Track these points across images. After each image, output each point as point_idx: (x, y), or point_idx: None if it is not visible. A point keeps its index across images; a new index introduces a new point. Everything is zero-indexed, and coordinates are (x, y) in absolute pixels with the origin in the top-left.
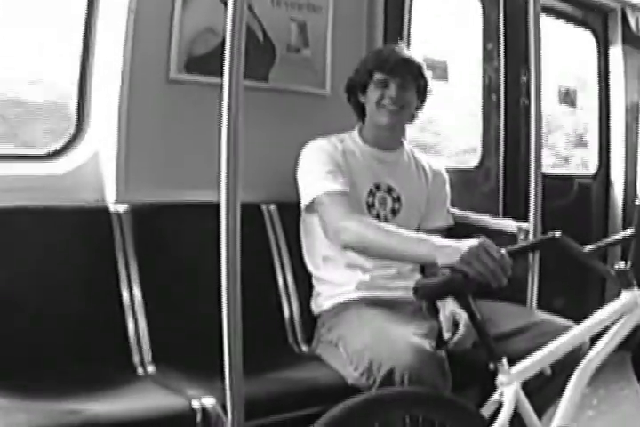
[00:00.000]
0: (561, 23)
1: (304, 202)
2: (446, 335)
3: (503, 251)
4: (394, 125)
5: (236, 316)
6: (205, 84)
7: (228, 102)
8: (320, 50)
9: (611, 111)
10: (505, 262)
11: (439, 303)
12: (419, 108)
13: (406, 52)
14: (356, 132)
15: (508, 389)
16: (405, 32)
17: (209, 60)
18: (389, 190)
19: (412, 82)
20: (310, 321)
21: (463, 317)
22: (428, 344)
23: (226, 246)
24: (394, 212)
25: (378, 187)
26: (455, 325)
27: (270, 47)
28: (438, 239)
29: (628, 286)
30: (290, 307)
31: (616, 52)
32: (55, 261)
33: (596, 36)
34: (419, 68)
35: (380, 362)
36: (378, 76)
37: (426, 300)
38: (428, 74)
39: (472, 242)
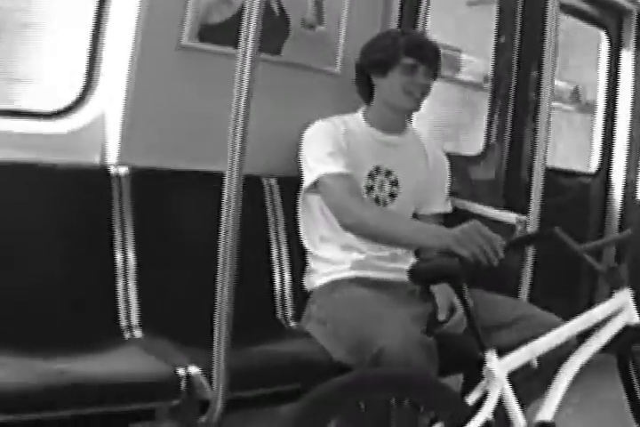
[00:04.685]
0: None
1: (306, 182)
2: (441, 317)
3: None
4: (414, 111)
5: (229, 287)
6: (217, 53)
7: (240, 75)
8: (334, 28)
9: (617, 112)
10: (496, 242)
11: (435, 287)
12: None
13: (431, 39)
14: (360, 114)
15: (495, 379)
16: (422, 15)
17: (222, 29)
18: (388, 174)
19: (436, 69)
20: (301, 297)
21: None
22: (418, 328)
23: (225, 218)
24: (392, 195)
25: (378, 170)
26: (451, 308)
27: (285, 21)
28: (435, 227)
29: (620, 285)
30: (282, 282)
31: (628, 54)
32: (50, 220)
33: (610, 37)
34: (441, 57)
35: (369, 342)
36: (407, 60)
37: (420, 283)
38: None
39: (463, 225)
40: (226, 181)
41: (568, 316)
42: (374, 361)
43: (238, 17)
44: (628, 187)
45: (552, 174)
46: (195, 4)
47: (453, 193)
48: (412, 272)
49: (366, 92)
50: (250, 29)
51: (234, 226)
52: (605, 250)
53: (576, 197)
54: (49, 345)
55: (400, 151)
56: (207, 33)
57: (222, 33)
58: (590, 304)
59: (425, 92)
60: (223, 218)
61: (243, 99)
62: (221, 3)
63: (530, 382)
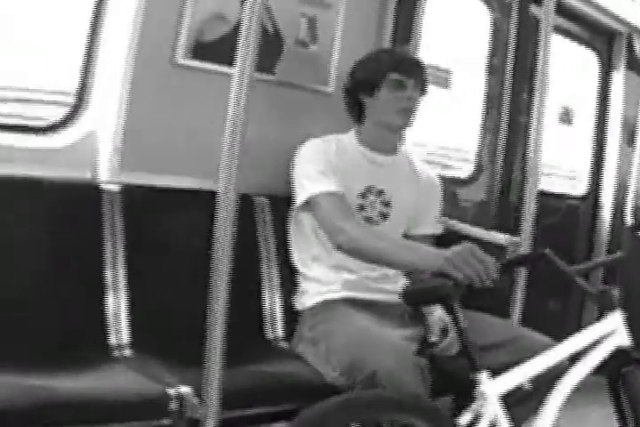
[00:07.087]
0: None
1: (298, 201)
2: (433, 339)
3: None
4: (406, 126)
5: (221, 307)
6: (211, 71)
7: (236, 94)
8: (327, 46)
9: (607, 133)
10: (490, 264)
11: (427, 308)
12: None
13: (415, 55)
14: (352, 134)
15: (487, 400)
16: (415, 35)
17: (217, 47)
18: (380, 194)
19: (422, 84)
20: (291, 317)
21: None
22: (410, 349)
23: (218, 237)
24: (383, 216)
25: (369, 190)
26: (444, 330)
27: (278, 40)
28: (428, 248)
29: (611, 307)
30: (272, 302)
31: (618, 76)
32: (41, 235)
33: (600, 58)
34: (426, 71)
35: (360, 364)
36: (394, 76)
37: (413, 305)
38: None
39: (457, 247)
40: (220, 200)
41: (556, 336)
42: (367, 383)
43: (233, 34)
44: (617, 210)
45: (541, 196)
46: (189, 21)
47: (445, 214)
48: (405, 294)
49: (356, 113)
50: (247, 49)
51: (228, 245)
52: (593, 272)
53: (565, 219)
54: (37, 363)
55: (392, 172)
56: (201, 50)
57: (217, 51)
58: (579, 325)
59: (415, 106)
60: (216, 237)
61: (238, 118)
62: (216, 19)
63: (522, 404)
